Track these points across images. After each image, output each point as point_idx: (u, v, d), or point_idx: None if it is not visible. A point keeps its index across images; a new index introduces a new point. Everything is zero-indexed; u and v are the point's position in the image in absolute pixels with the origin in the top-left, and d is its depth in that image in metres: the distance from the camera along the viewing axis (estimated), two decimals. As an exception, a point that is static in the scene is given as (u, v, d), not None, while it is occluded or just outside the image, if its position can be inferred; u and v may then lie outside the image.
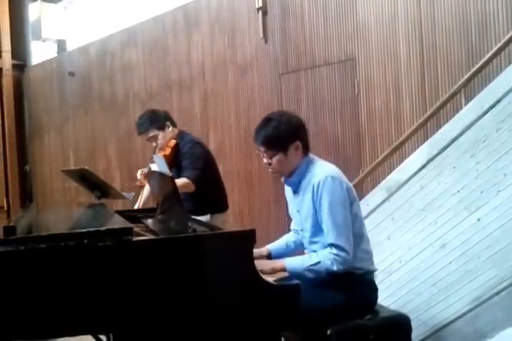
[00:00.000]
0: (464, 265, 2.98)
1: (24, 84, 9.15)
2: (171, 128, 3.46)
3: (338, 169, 2.33)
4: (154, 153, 3.42)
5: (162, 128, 3.42)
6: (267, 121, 2.33)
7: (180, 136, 3.49)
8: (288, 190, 2.48)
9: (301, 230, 2.40)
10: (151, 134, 3.42)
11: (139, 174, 3.32)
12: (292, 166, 2.33)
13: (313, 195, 2.24)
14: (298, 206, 2.38)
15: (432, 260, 3.12)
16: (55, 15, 8.56)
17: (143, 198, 3.49)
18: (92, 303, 1.86)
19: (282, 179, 2.44)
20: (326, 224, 2.22)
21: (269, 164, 2.33)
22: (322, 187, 2.21)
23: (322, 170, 2.29)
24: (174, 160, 3.38)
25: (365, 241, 2.36)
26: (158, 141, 3.41)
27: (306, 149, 2.35)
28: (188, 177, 3.24)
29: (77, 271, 1.85)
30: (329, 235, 2.21)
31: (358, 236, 2.30)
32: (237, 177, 5.80)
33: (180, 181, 3.20)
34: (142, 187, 3.37)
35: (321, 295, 2.22)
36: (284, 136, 2.27)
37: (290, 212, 2.55)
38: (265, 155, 2.32)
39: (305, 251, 2.41)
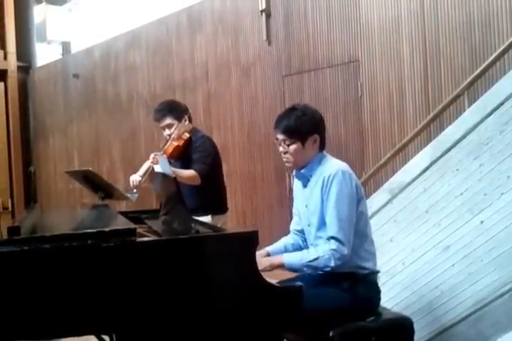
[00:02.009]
0: (467, 267, 2.97)
1: (29, 85, 9.18)
2: (187, 122, 3.49)
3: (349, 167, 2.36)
4: (166, 143, 3.43)
5: (179, 118, 3.45)
6: (291, 110, 2.37)
7: (194, 131, 3.53)
8: (297, 185, 2.49)
9: (308, 225, 2.40)
10: (167, 122, 3.44)
11: (151, 157, 3.31)
12: (306, 159, 2.36)
13: (322, 187, 2.27)
14: (306, 200, 2.39)
15: (434, 262, 3.11)
16: (60, 18, 8.59)
17: (144, 170, 3.40)
18: (95, 304, 1.87)
19: (293, 172, 2.46)
20: (330, 216, 2.24)
21: (285, 153, 2.36)
22: (332, 179, 2.24)
23: (333, 165, 2.33)
24: (184, 153, 3.41)
25: (369, 241, 2.36)
26: (173, 131, 3.42)
27: (322, 145, 2.40)
28: (196, 170, 3.27)
29: (81, 272, 1.86)
30: (331, 228, 2.23)
31: (362, 236, 2.31)
32: (240, 178, 5.80)
33: (187, 172, 3.23)
34: (154, 163, 3.33)
35: (323, 296, 2.22)
36: (306, 126, 2.32)
37: (294, 209, 2.55)
38: (282, 143, 2.35)
39: (310, 247, 2.41)
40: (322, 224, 2.30)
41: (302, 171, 2.39)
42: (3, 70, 8.78)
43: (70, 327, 1.87)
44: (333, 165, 2.32)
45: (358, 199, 2.30)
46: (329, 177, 2.25)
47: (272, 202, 5.55)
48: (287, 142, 2.33)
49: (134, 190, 3.31)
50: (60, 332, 1.91)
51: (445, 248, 3.08)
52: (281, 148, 2.37)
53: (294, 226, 2.60)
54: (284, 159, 2.39)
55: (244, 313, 1.98)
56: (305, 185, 2.41)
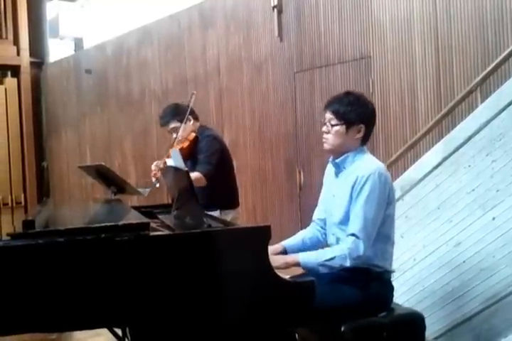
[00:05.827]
0: (479, 263, 2.96)
1: (42, 81, 9.25)
2: (192, 122, 3.54)
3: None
4: (172, 145, 3.47)
5: (182, 121, 3.48)
6: (347, 94, 2.38)
7: (201, 130, 3.56)
8: (330, 171, 2.48)
9: (331, 215, 2.39)
10: (172, 126, 3.50)
11: (153, 165, 3.37)
12: (344, 146, 2.35)
13: (354, 184, 2.25)
14: (335, 190, 2.38)
15: (446, 258, 3.11)
16: (73, 14, 8.65)
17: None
18: (108, 297, 1.89)
19: (330, 159, 2.44)
20: (356, 214, 2.22)
21: (327, 133, 2.35)
22: (366, 180, 2.22)
23: (372, 163, 2.32)
24: (191, 153, 3.45)
25: (390, 244, 2.35)
26: (179, 133, 3.46)
27: (365, 139, 2.38)
28: (200, 172, 3.30)
29: (94, 265, 1.88)
30: (354, 225, 2.21)
31: (385, 238, 2.30)
32: (250, 174, 5.81)
33: (192, 175, 3.25)
34: (157, 178, 3.38)
35: (336, 292, 2.21)
36: (355, 112, 2.31)
37: (321, 198, 2.55)
38: (328, 123, 2.35)
39: (330, 236, 2.40)
40: (345, 218, 2.28)
41: (337, 161, 2.37)
42: (16, 66, 8.85)
43: (83, 319, 1.90)
44: (371, 165, 2.29)
45: (388, 203, 2.28)
46: (363, 176, 2.23)
47: (282, 198, 5.56)
48: (332, 122, 2.32)
49: (157, 184, 3.35)
50: (72, 325, 1.93)
51: (456, 244, 3.07)
52: (324, 128, 2.36)
53: (317, 214, 2.57)
54: (323, 139, 2.37)
55: (256, 308, 1.99)
56: (337, 175, 2.40)
